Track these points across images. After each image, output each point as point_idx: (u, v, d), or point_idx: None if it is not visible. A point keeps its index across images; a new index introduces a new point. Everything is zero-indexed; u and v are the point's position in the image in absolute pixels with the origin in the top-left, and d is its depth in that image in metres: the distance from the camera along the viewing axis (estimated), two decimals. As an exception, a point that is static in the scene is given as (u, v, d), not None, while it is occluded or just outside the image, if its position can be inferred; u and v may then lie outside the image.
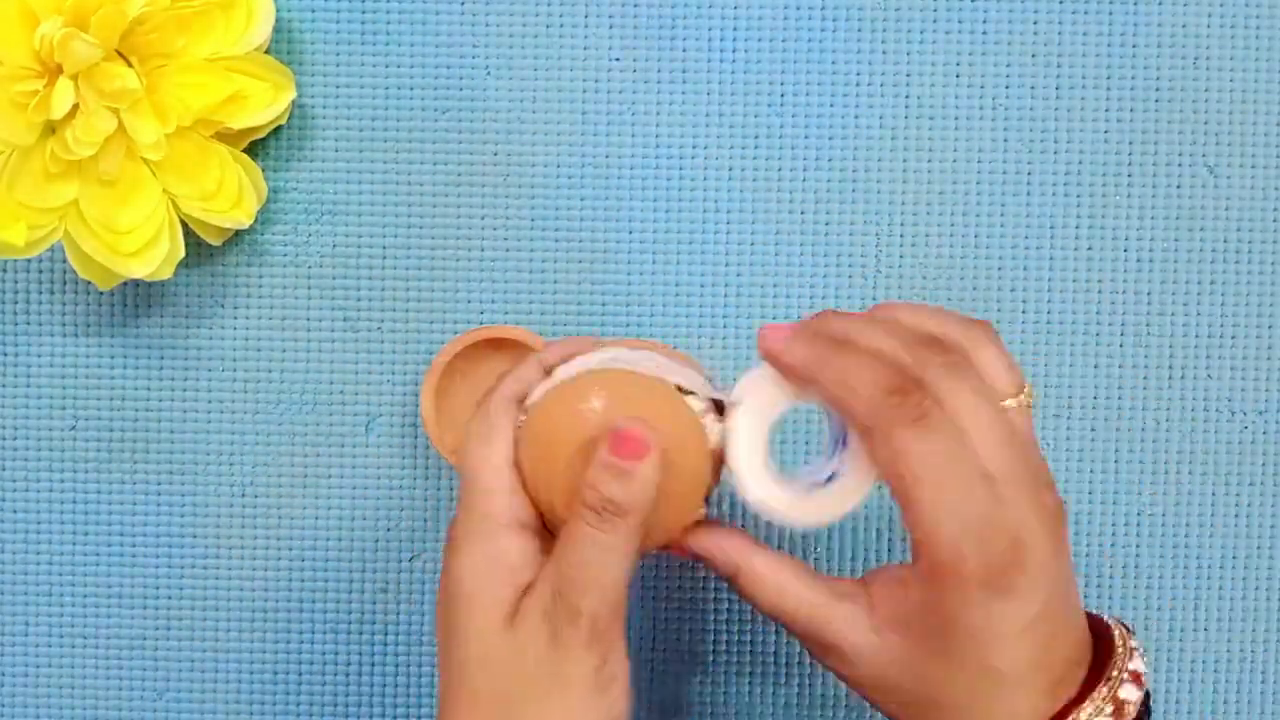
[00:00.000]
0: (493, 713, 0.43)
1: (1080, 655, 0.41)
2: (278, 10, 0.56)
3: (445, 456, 0.56)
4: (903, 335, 0.42)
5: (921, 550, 0.40)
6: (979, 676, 0.40)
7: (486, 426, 0.45)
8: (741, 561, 0.44)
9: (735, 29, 0.57)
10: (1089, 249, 0.58)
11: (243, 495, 0.58)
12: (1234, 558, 0.58)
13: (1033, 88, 0.57)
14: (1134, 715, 0.40)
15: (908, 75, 0.57)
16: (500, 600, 0.43)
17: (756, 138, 0.57)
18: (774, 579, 0.43)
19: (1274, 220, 0.58)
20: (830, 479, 0.44)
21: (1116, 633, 0.42)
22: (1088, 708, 0.40)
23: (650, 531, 0.44)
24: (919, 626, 0.40)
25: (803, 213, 0.57)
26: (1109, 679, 0.40)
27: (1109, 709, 0.40)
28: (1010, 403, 0.42)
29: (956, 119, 0.57)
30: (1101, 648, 0.42)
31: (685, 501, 0.44)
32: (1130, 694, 0.40)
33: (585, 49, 0.57)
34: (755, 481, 0.43)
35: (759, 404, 0.44)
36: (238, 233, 0.57)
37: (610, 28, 0.57)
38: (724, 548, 0.44)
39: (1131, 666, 0.41)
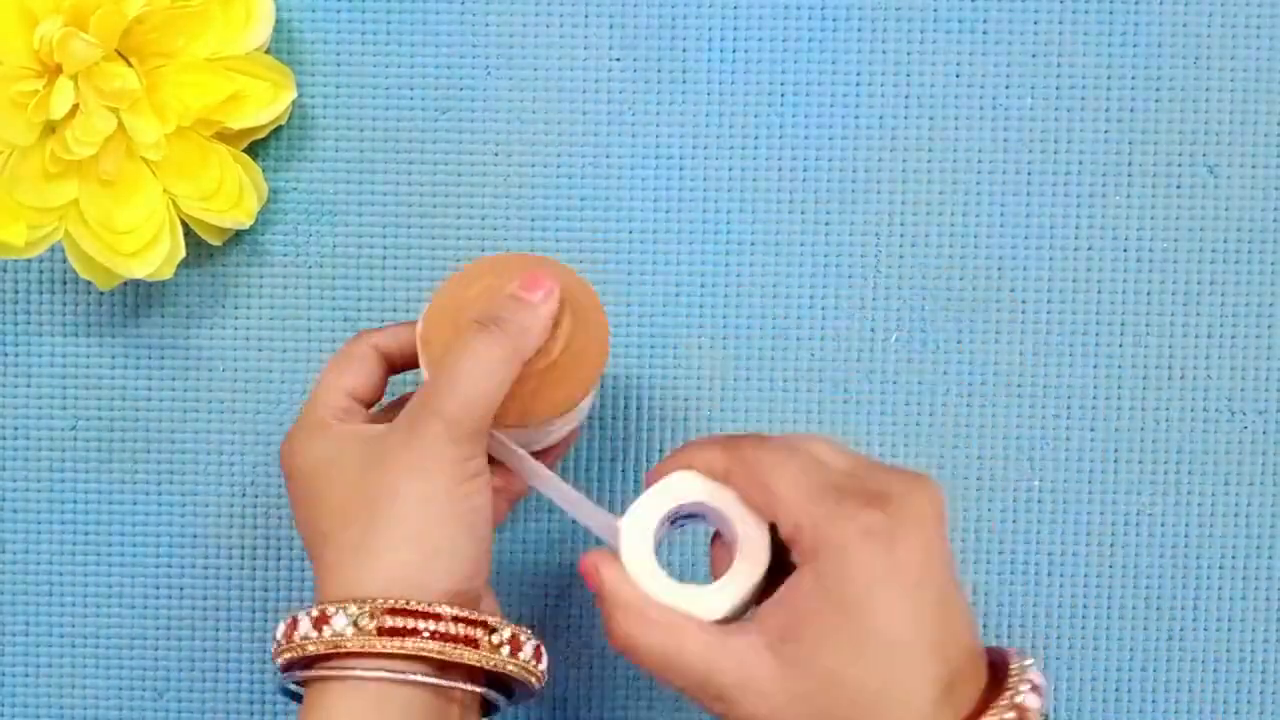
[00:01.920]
0: (353, 507, 0.44)
1: (975, 660, 0.41)
2: (278, 10, 0.56)
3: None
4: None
5: (796, 533, 0.41)
6: (879, 649, 0.39)
7: (342, 356, 0.49)
8: (627, 605, 0.43)
9: (735, 29, 0.57)
10: (1089, 249, 0.58)
11: (243, 495, 0.58)
12: (1234, 558, 0.58)
13: (1033, 88, 0.57)
14: None
15: (908, 75, 0.57)
16: (335, 414, 0.47)
17: (756, 138, 0.57)
18: (665, 622, 0.42)
19: (1274, 220, 0.58)
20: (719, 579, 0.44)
21: (1014, 653, 0.42)
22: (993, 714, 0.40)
23: (533, 399, 0.46)
24: (813, 618, 0.40)
25: (803, 213, 0.57)
26: (1009, 687, 0.40)
27: (1011, 715, 0.40)
28: None
29: (956, 119, 0.57)
30: (997, 672, 0.42)
31: (577, 374, 0.47)
32: (1032, 702, 0.40)
33: (585, 49, 0.57)
34: (651, 580, 0.44)
35: (646, 512, 0.45)
36: (238, 233, 0.57)
37: (610, 28, 0.57)
38: (615, 584, 0.44)
39: (1030, 677, 0.41)
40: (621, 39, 0.57)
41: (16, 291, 0.58)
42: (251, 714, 0.59)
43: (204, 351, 0.58)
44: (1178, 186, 0.57)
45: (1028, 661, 0.42)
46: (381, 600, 0.43)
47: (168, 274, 0.54)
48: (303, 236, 0.58)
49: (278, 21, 0.56)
